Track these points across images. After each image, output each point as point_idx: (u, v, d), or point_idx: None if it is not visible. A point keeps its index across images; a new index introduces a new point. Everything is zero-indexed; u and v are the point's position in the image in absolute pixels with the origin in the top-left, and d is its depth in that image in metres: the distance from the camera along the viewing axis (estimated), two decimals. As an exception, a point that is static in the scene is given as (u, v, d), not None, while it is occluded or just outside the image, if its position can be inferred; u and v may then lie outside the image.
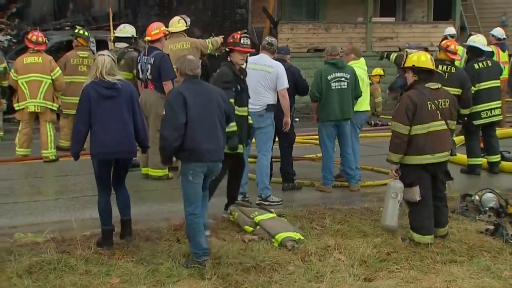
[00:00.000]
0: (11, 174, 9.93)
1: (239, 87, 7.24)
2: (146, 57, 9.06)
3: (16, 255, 5.96)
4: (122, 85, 6.25)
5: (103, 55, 6.31)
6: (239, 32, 7.57)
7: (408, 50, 10.29)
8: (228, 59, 7.34)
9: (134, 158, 6.84)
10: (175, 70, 8.22)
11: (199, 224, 6.01)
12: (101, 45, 13.82)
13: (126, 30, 10.42)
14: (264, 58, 8.22)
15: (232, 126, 6.78)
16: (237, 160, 7.34)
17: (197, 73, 6.15)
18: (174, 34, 9.88)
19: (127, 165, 6.54)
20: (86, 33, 11.63)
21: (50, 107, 10.62)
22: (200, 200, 6.06)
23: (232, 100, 6.91)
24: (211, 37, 10.41)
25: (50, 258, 5.85)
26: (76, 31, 11.54)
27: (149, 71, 8.98)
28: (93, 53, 11.04)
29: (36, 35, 10.75)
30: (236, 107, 7.05)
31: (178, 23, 10.00)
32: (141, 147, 6.54)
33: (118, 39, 10.40)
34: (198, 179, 5.98)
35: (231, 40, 7.33)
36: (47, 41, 11.33)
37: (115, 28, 11.28)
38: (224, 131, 6.20)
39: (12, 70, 10.75)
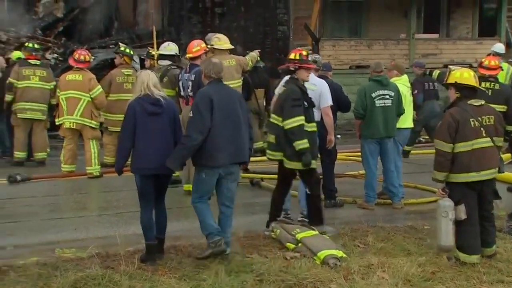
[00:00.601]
0: (57, 190, 10.12)
1: (306, 103, 7.27)
2: (187, 74, 9.15)
3: (61, 270, 6.03)
4: (165, 103, 6.37)
5: (146, 70, 6.48)
6: (300, 48, 7.72)
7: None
8: (294, 76, 7.36)
9: (175, 175, 6.87)
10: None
11: (204, 206, 6.31)
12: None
13: (170, 48, 10.55)
14: (307, 76, 8.21)
15: (304, 143, 6.91)
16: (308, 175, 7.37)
17: (221, 76, 6.42)
18: (219, 51, 9.89)
19: (167, 181, 6.60)
20: (131, 52, 11.79)
21: (88, 124, 10.75)
22: (207, 195, 6.34)
23: (303, 117, 7.03)
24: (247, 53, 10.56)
25: (94, 273, 5.91)
26: (122, 49, 11.62)
27: (190, 87, 9.06)
28: (136, 71, 11.20)
29: (79, 53, 10.97)
30: (306, 123, 7.13)
31: (227, 41, 10.07)
32: None
33: (161, 57, 10.54)
34: (211, 178, 6.27)
35: (298, 57, 7.34)
36: (92, 59, 11.52)
37: (158, 46, 11.41)
38: (247, 132, 6.39)
39: (58, 87, 10.99)
